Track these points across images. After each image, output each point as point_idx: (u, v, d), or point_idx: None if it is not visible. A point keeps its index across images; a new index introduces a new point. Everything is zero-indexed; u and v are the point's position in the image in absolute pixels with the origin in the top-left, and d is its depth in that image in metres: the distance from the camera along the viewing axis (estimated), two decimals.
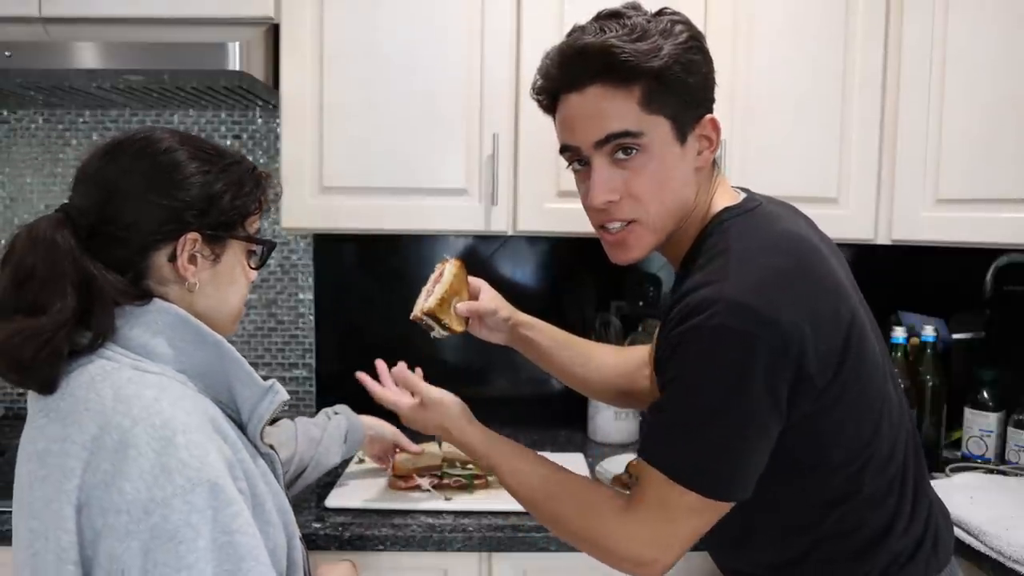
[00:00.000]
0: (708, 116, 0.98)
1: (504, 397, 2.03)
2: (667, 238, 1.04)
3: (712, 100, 1.00)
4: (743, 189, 1.08)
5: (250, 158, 1.03)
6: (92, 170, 0.92)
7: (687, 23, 0.96)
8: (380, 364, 1.28)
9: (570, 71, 0.97)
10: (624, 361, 1.39)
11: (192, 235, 0.91)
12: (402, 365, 1.23)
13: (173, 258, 0.91)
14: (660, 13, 0.98)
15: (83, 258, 0.86)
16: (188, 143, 0.94)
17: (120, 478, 0.79)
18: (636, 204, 0.98)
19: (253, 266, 1.00)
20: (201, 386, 0.92)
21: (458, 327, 1.30)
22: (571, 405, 1.92)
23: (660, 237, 1.02)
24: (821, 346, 0.90)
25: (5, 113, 1.97)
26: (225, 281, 0.96)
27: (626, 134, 0.95)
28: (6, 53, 1.47)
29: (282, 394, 0.96)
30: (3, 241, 1.97)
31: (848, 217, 1.68)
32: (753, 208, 1.02)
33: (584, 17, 1.01)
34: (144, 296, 0.90)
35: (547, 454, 1.70)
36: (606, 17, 0.97)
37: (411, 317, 1.29)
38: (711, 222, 1.01)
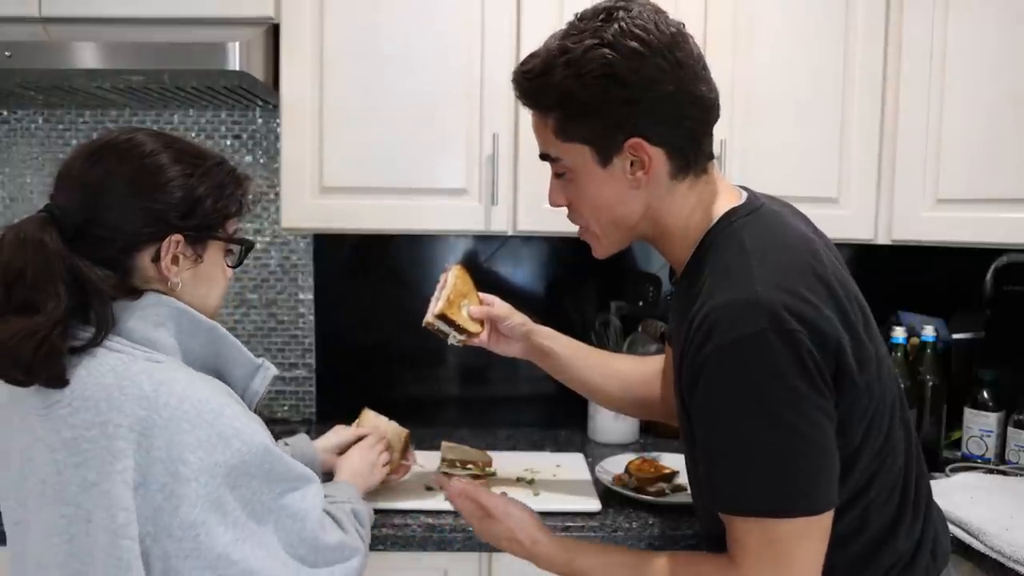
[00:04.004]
0: (634, 139, 0.95)
1: (504, 397, 2.03)
2: (656, 242, 1.05)
3: (647, 121, 0.95)
4: (743, 188, 1.07)
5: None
6: (76, 171, 0.93)
7: (612, 45, 0.92)
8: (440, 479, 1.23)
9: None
10: (642, 371, 1.39)
11: (176, 237, 0.94)
12: (457, 482, 1.17)
13: (157, 258, 0.94)
14: (608, 17, 0.94)
15: (72, 257, 0.88)
16: (171, 146, 0.96)
17: (181, 450, 0.85)
18: (578, 215, 1.06)
19: (230, 265, 1.04)
20: (202, 373, 0.95)
21: (473, 328, 1.31)
22: (571, 405, 1.92)
23: (613, 244, 1.07)
24: (852, 340, 0.89)
25: (5, 113, 1.97)
26: (205, 280, 0.99)
27: (549, 157, 1.03)
28: (6, 53, 1.47)
29: (272, 369, 1.01)
30: None
31: (848, 217, 1.68)
32: (758, 208, 1.01)
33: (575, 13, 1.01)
34: (134, 292, 0.92)
35: (547, 454, 1.73)
36: (553, 36, 0.99)
37: (423, 324, 1.30)
38: (716, 224, 1.00)
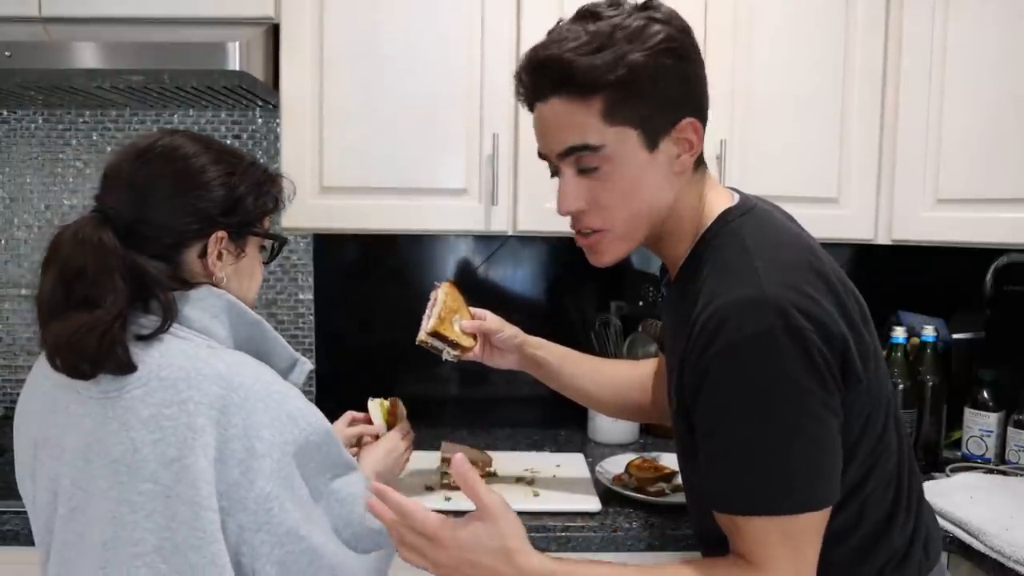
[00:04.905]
0: (687, 120, 0.93)
1: (504, 397, 2.03)
2: (657, 240, 1.03)
3: (696, 100, 0.95)
4: (733, 189, 1.06)
5: None
6: (125, 174, 0.98)
7: (667, 21, 0.92)
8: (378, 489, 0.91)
9: (532, 82, 0.95)
10: (634, 375, 1.39)
11: (220, 233, 0.99)
12: (461, 458, 0.89)
13: (203, 254, 0.99)
14: (644, 7, 0.93)
15: (129, 253, 0.93)
16: (210, 147, 1.01)
17: (257, 428, 0.90)
18: (603, 214, 0.97)
19: (264, 260, 1.09)
20: None
21: (466, 342, 1.33)
22: (571, 405, 1.90)
23: (632, 244, 1.00)
24: (854, 334, 0.89)
25: (5, 113, 1.97)
26: (246, 274, 1.05)
27: (585, 148, 0.93)
28: (6, 53, 1.47)
29: (308, 364, 1.07)
30: (3, 241, 1.97)
31: (848, 217, 1.68)
32: (752, 208, 1.00)
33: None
34: (186, 284, 0.97)
35: (547, 454, 1.73)
36: (579, 18, 0.93)
37: (417, 342, 1.31)
38: (714, 223, 0.99)
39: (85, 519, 0.92)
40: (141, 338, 0.92)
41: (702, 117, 0.97)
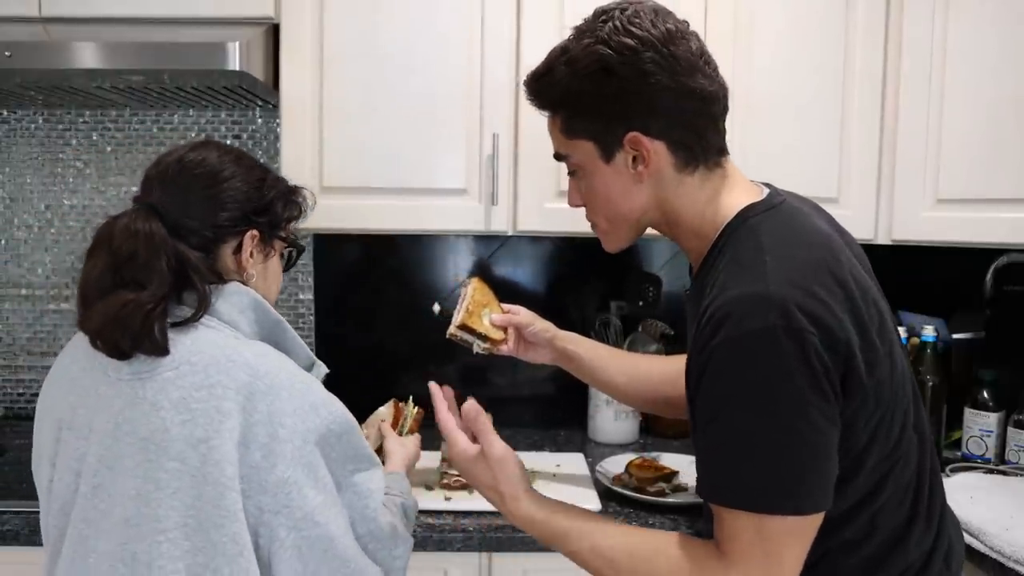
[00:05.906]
0: (630, 134, 0.97)
1: (504, 397, 2.03)
2: (671, 235, 1.06)
3: (640, 114, 0.97)
4: (766, 184, 1.06)
5: None
6: (168, 175, 1.04)
7: (605, 40, 0.95)
8: (441, 390, 1.13)
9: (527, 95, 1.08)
10: (666, 370, 1.39)
11: (254, 232, 1.07)
12: (475, 404, 1.07)
13: (237, 251, 1.06)
14: (596, 29, 0.96)
15: (176, 243, 0.99)
16: (241, 159, 1.09)
17: (280, 415, 0.94)
18: (592, 212, 1.08)
19: (282, 267, 1.17)
20: None
21: (496, 335, 1.37)
22: (571, 405, 1.93)
23: (624, 237, 1.08)
24: (862, 342, 0.89)
25: (5, 113, 1.97)
26: (271, 275, 1.13)
27: (559, 156, 1.06)
28: (6, 53, 1.47)
29: (324, 368, 1.12)
30: (3, 241, 1.97)
31: (848, 217, 1.66)
32: (778, 204, 1.00)
33: (583, 17, 1.02)
34: (221, 278, 1.03)
35: (547, 454, 1.73)
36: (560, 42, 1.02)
37: (447, 336, 1.36)
38: (734, 219, 0.99)
39: (108, 496, 0.95)
40: (175, 325, 0.97)
41: (652, 129, 0.97)
